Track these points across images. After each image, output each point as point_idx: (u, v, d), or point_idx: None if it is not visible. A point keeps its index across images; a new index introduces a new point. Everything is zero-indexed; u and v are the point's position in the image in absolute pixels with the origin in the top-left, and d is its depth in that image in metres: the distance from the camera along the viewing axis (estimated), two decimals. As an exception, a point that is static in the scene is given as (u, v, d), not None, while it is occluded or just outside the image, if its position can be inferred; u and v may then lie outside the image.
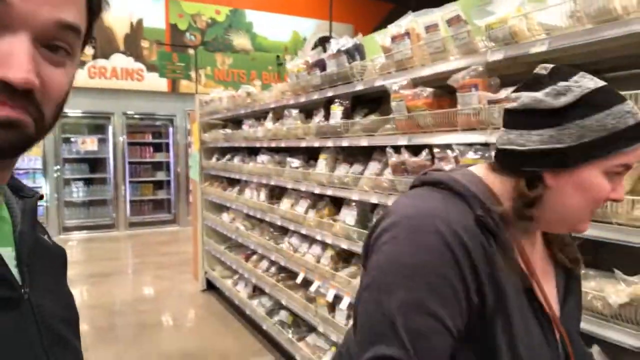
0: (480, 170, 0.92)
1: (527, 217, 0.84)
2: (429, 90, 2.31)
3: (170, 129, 10.46)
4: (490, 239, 0.80)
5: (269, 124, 4.05)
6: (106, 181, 9.98)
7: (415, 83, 2.41)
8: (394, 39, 2.48)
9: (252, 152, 4.73)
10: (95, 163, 9.90)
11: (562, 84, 0.81)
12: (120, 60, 9.81)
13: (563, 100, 0.80)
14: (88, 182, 9.88)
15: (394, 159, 2.50)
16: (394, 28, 2.50)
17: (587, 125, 0.79)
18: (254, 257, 4.66)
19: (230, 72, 11.01)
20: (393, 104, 2.47)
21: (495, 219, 0.81)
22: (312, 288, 3.34)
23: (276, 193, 4.26)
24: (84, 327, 4.43)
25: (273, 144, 3.96)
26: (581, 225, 0.88)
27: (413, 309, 0.75)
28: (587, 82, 0.81)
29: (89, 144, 9.72)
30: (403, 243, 0.79)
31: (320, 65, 3.23)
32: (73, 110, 9.15)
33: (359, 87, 2.83)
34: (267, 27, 11.42)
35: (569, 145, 0.80)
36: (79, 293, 5.63)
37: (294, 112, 3.58)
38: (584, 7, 1.60)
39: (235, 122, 5.20)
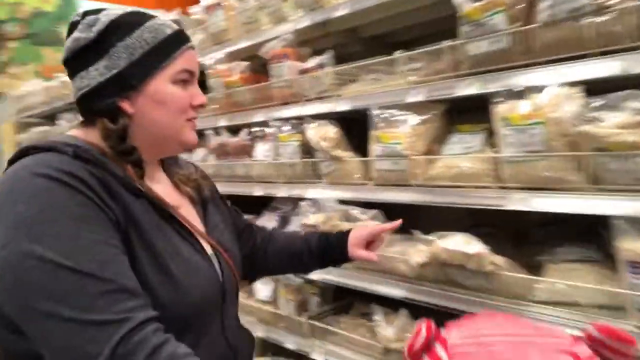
0: (74, 131, 0.92)
1: (129, 151, 0.87)
2: (244, 64, 2.15)
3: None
4: (99, 169, 0.81)
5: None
6: None
7: (233, 58, 2.24)
8: (207, 9, 2.28)
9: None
10: None
11: (90, 17, 0.87)
12: None
13: (95, 30, 0.85)
14: None
15: (214, 141, 2.30)
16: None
17: (130, 44, 0.86)
18: None
19: (61, 69, 9.78)
20: (210, 81, 2.27)
21: (95, 155, 0.82)
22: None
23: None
24: None
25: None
26: (185, 137, 0.94)
27: (76, 249, 0.71)
28: (114, 10, 0.89)
29: None
30: (13, 203, 0.73)
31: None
32: None
33: (177, 65, 2.57)
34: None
35: (125, 67, 0.85)
36: None
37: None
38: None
39: (52, 118, 4.53)
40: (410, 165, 1.49)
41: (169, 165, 1.06)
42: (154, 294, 0.79)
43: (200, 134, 2.45)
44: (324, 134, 1.73)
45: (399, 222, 1.27)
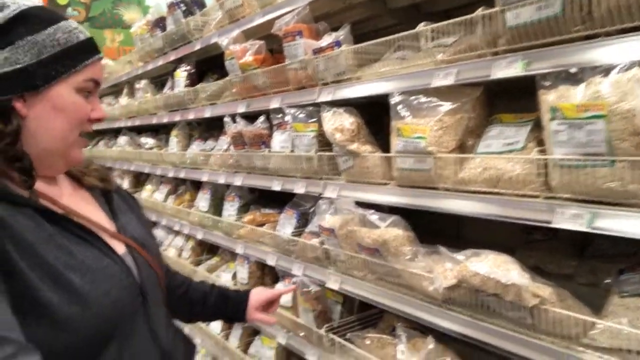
0: None
1: (19, 157, 0.78)
2: (259, 43, 1.93)
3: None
4: None
5: (123, 99, 3.51)
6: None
7: (248, 36, 2.02)
8: (222, -18, 2.07)
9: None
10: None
11: None
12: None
13: (2, 16, 0.78)
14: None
15: (232, 129, 2.12)
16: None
17: (40, 41, 0.80)
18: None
19: (121, 50, 10.02)
20: (226, 63, 2.07)
21: None
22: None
23: (142, 180, 3.75)
24: None
25: (129, 123, 3.44)
26: (73, 154, 0.87)
27: None
28: (23, 1, 0.82)
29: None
30: None
31: (162, 24, 2.75)
32: None
33: (197, 46, 2.39)
34: (162, -1, 10.47)
35: (29, 64, 0.79)
36: None
37: (143, 82, 3.08)
38: None
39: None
40: (436, 165, 1.22)
41: None
42: (56, 315, 0.74)
43: (220, 120, 2.27)
44: (339, 125, 1.48)
45: (293, 287, 1.55)
